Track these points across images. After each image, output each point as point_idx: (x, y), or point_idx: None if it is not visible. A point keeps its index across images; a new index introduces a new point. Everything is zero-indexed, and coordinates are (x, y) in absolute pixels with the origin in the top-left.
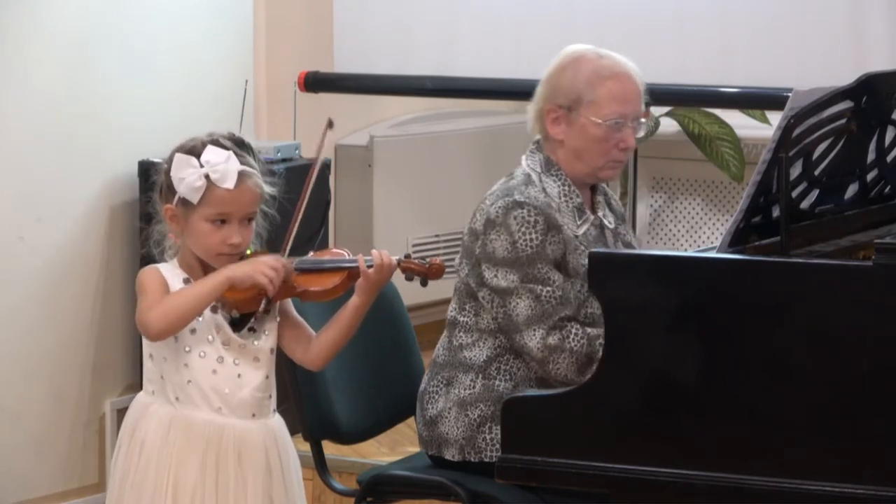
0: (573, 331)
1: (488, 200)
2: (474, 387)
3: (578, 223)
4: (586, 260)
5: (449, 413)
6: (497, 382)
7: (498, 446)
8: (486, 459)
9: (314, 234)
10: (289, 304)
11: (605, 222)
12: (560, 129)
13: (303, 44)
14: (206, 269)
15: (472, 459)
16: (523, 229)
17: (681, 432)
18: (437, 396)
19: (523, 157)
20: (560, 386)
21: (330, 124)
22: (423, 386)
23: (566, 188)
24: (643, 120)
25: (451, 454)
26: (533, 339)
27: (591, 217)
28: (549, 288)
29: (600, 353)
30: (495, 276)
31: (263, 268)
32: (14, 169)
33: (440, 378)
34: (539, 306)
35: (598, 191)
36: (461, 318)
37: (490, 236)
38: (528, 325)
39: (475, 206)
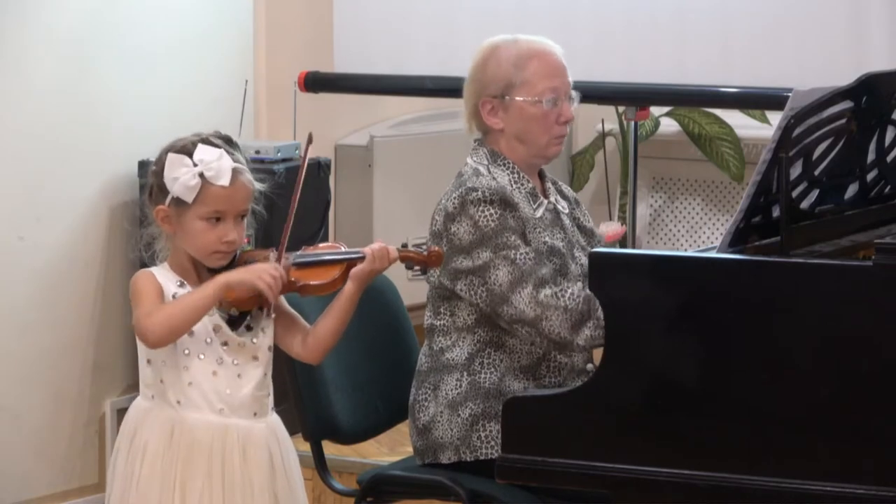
0: (569, 290)
1: (443, 200)
2: (461, 385)
3: (534, 207)
4: (546, 239)
5: (441, 416)
6: (483, 377)
7: (493, 443)
8: (482, 457)
9: (314, 234)
10: (282, 299)
11: (559, 207)
12: (498, 119)
13: (303, 44)
14: (200, 270)
15: (468, 459)
16: (481, 209)
17: (682, 432)
18: (426, 404)
19: (468, 159)
20: (552, 346)
21: (309, 139)
22: (411, 398)
23: (516, 175)
24: (574, 93)
25: (446, 457)
26: (522, 300)
27: (545, 202)
28: (521, 251)
29: (599, 312)
30: (469, 259)
31: (263, 274)
32: (14, 169)
33: (427, 385)
34: (517, 269)
35: (545, 178)
36: (438, 323)
37: (452, 229)
38: (513, 288)
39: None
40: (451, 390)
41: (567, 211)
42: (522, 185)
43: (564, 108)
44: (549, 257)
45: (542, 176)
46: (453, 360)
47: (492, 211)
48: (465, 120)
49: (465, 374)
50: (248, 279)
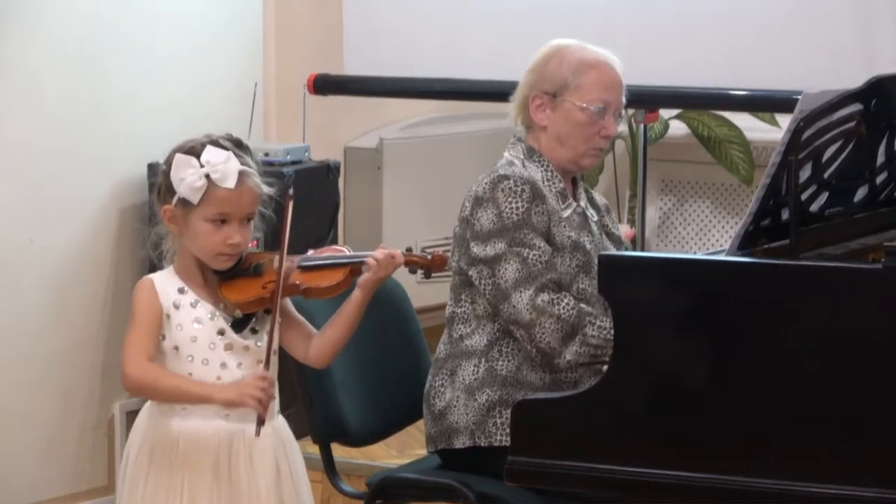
0: (565, 300)
1: (474, 186)
2: (478, 371)
3: (562, 206)
4: (572, 234)
5: (457, 401)
6: (500, 364)
7: (508, 430)
8: (496, 444)
9: (324, 237)
10: (288, 303)
11: (588, 213)
12: (544, 115)
13: (312, 46)
14: (205, 273)
15: (482, 444)
16: (509, 199)
17: (691, 435)
18: (443, 389)
19: (505, 152)
20: (542, 354)
21: (291, 196)
22: (427, 385)
23: (548, 174)
24: (622, 112)
25: (460, 442)
26: (521, 301)
27: (574, 204)
28: (535, 252)
29: (587, 329)
30: (484, 248)
31: (252, 391)
32: (24, 171)
33: (444, 371)
34: (526, 268)
35: (578, 184)
36: (458, 311)
37: (478, 213)
38: (516, 286)
39: None
40: (469, 375)
41: (596, 218)
42: (554, 184)
43: (609, 122)
44: (573, 252)
45: (574, 181)
46: (472, 346)
47: (519, 204)
48: (513, 109)
49: (483, 360)
50: (236, 400)
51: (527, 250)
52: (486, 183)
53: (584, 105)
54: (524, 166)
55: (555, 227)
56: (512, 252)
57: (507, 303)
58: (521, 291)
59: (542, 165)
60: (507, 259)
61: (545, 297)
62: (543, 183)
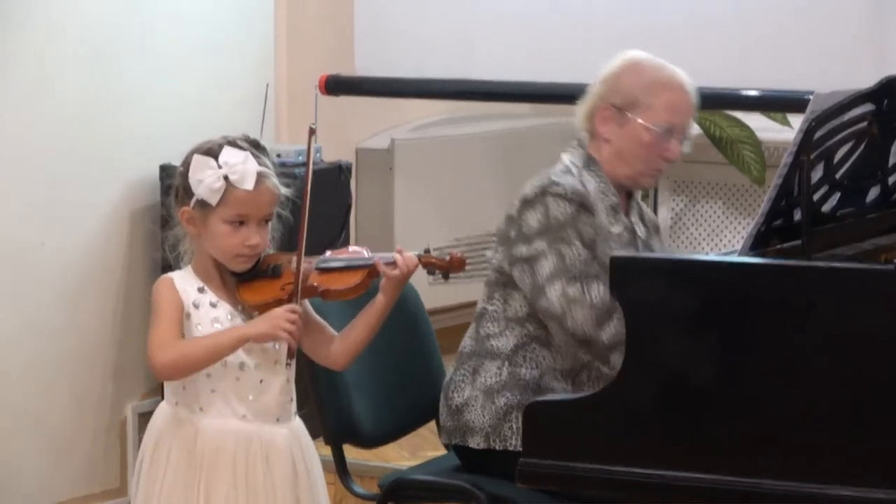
0: (596, 288)
1: (526, 187)
2: (501, 374)
3: (612, 222)
4: (618, 252)
5: (475, 401)
6: (523, 370)
7: None
8: (511, 448)
9: (335, 238)
10: (307, 305)
11: (637, 230)
12: (609, 129)
13: (323, 47)
14: (223, 273)
15: (497, 447)
16: (558, 202)
17: (702, 436)
18: (463, 385)
19: (563, 154)
20: (578, 345)
21: (311, 131)
22: (448, 377)
23: (604, 186)
24: (689, 137)
25: (475, 442)
26: (554, 293)
27: (625, 220)
28: (574, 250)
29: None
30: (527, 247)
31: (282, 323)
32: (36, 173)
33: (466, 367)
34: (562, 262)
35: (633, 198)
36: (489, 308)
37: (525, 214)
38: (550, 280)
39: (496, 208)
40: (490, 377)
41: (643, 237)
42: (608, 197)
43: (673, 145)
44: None
45: (629, 194)
46: (498, 348)
47: (566, 207)
48: (579, 114)
49: (506, 364)
50: (268, 332)
51: (566, 247)
52: (536, 186)
53: (652, 126)
54: (580, 175)
55: (601, 243)
56: (552, 249)
57: (544, 297)
58: (553, 284)
59: (599, 178)
60: (546, 256)
61: (576, 287)
62: (597, 195)
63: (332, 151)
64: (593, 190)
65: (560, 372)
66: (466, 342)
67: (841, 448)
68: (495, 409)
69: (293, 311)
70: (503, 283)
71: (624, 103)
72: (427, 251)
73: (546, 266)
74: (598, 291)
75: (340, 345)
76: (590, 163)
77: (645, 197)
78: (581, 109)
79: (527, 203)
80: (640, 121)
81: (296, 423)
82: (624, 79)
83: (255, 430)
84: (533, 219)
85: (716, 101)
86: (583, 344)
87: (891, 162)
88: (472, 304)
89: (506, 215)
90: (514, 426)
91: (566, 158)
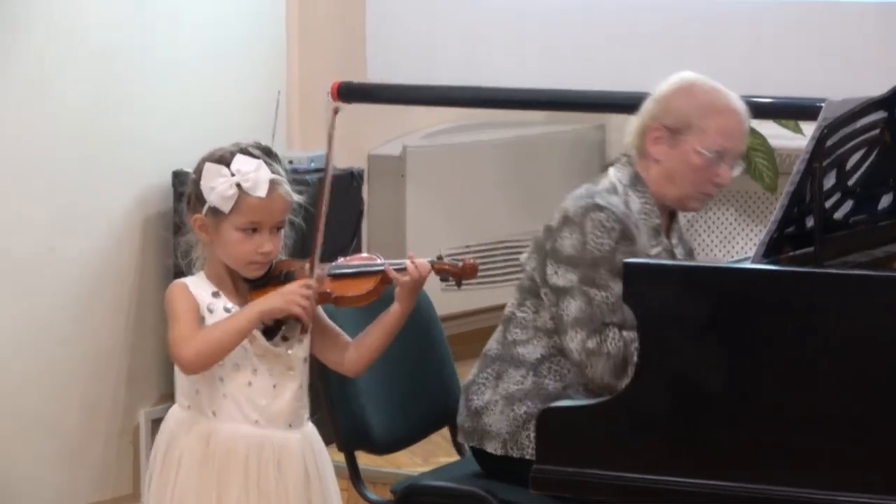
0: (610, 334)
1: (569, 200)
2: (524, 383)
3: (653, 244)
4: None
5: (495, 406)
6: (547, 382)
7: None
8: (528, 457)
9: (347, 245)
10: (321, 310)
11: (676, 252)
12: (660, 149)
13: (335, 54)
14: (236, 279)
15: (514, 455)
16: (597, 232)
17: (716, 443)
18: (484, 388)
19: (611, 168)
20: (599, 390)
21: (336, 111)
22: (470, 377)
23: (648, 206)
24: (740, 162)
25: (493, 447)
26: (574, 342)
27: (665, 242)
28: (603, 293)
29: (635, 357)
30: (556, 272)
31: (296, 298)
32: (47, 180)
33: (490, 371)
34: (588, 309)
35: (676, 219)
36: (518, 314)
37: (563, 233)
38: (573, 326)
39: (507, 216)
40: (513, 385)
41: (681, 259)
42: (651, 218)
43: (723, 170)
44: None
45: (672, 215)
46: (524, 356)
47: (605, 241)
48: (630, 131)
49: (531, 373)
50: (282, 307)
51: (595, 290)
52: (579, 206)
53: (704, 150)
54: (625, 194)
55: None
56: (580, 290)
57: (565, 336)
58: (576, 331)
59: (644, 197)
60: (574, 295)
61: (596, 339)
62: (641, 215)
63: (344, 158)
64: (637, 210)
65: (583, 386)
66: (492, 345)
67: (863, 456)
68: (514, 416)
69: (307, 287)
70: (535, 292)
71: (676, 124)
72: (440, 257)
73: (572, 308)
74: (614, 338)
75: (355, 352)
76: (636, 182)
77: None
78: (632, 126)
79: (567, 221)
80: (692, 144)
81: (308, 428)
82: (677, 99)
83: (267, 436)
84: (569, 242)
85: None
86: (603, 389)
87: None
88: (485, 311)
89: (545, 225)
90: (532, 435)
91: (613, 174)
